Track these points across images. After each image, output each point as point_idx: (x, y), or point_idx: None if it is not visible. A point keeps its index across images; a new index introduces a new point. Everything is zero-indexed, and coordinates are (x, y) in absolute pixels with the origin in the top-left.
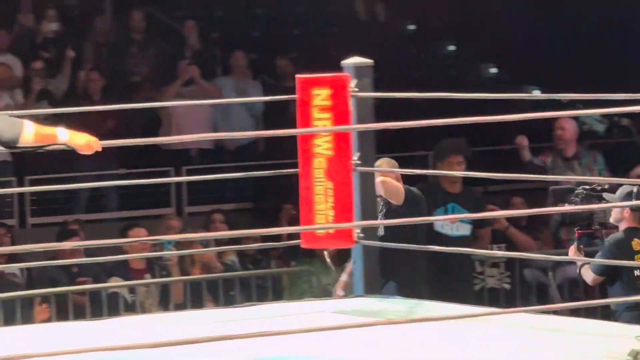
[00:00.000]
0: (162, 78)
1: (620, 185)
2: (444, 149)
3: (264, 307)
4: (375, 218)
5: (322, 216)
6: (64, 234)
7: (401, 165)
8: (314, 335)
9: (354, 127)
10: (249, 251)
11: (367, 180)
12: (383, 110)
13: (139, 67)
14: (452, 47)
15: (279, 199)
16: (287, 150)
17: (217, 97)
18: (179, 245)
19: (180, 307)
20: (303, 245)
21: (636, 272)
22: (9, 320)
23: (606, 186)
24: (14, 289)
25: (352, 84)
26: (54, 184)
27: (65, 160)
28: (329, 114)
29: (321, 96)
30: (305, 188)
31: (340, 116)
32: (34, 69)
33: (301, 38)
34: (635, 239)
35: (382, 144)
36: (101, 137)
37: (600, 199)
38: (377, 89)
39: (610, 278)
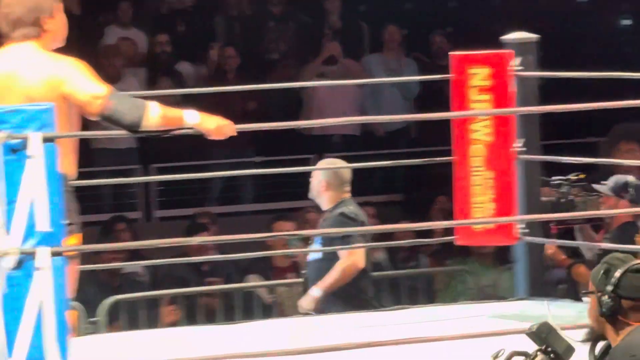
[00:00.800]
0: (302, 56)
1: None
2: (615, 135)
3: (415, 311)
4: (540, 211)
5: (480, 209)
6: (194, 229)
7: (568, 154)
8: (470, 342)
9: (516, 110)
10: (399, 248)
11: (531, 169)
12: (549, 91)
13: (277, 43)
14: (627, 21)
15: (432, 190)
16: (441, 136)
17: (363, 77)
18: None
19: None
20: (458, 242)
21: None
22: (133, 323)
23: (581, 176)
24: (138, 289)
25: (515, 62)
26: (183, 173)
27: (195, 147)
28: (488, 95)
29: (479, 76)
30: (462, 178)
31: (500, 98)
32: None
33: (458, 11)
34: (638, 236)
35: (548, 129)
36: (235, 120)
37: (583, 191)
38: (542, 67)
39: None
